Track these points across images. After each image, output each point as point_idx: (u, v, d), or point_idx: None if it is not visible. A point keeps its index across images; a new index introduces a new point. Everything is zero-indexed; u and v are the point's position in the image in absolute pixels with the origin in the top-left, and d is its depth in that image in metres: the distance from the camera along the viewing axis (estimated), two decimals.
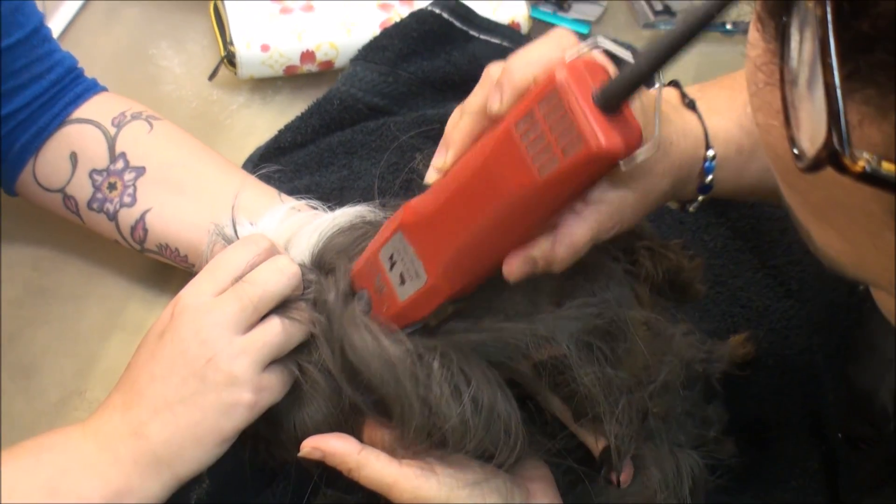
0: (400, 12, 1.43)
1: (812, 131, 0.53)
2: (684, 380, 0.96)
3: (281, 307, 0.93)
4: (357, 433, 0.93)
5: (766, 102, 0.59)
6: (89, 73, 1.22)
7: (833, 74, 0.51)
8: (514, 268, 0.82)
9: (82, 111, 1.18)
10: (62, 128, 1.17)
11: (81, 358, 1.17)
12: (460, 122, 0.82)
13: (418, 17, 1.38)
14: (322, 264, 0.97)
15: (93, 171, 1.16)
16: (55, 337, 1.18)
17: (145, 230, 1.14)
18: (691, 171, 0.91)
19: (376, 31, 1.41)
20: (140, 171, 1.14)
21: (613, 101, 0.71)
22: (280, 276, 0.93)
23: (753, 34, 0.60)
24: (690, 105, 0.93)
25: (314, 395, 0.93)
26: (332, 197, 1.11)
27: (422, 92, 1.35)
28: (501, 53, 1.38)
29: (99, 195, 1.15)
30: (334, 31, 1.42)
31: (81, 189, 1.16)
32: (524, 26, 1.47)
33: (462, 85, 1.37)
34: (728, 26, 1.55)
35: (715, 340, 1.02)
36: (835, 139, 0.51)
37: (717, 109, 0.94)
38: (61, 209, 1.19)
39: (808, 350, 1.12)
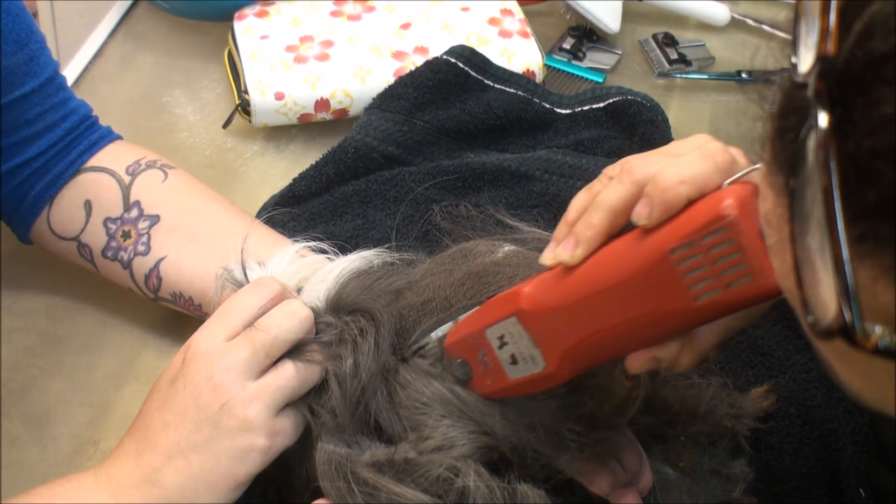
0: (415, 61, 1.43)
1: (824, 296, 0.52)
2: (712, 435, 0.96)
3: (293, 351, 0.93)
4: None
5: (779, 257, 0.58)
6: (104, 121, 1.22)
7: (841, 249, 0.50)
8: (638, 364, 0.81)
9: (97, 159, 1.18)
10: (77, 176, 1.17)
11: (95, 407, 1.16)
12: (592, 218, 0.79)
13: (433, 65, 1.38)
14: (341, 307, 0.96)
15: (107, 220, 1.15)
16: (69, 386, 1.17)
17: (159, 279, 1.14)
18: None
19: (391, 80, 1.41)
20: (154, 219, 1.14)
21: None
22: (292, 320, 0.93)
23: (763, 187, 0.59)
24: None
25: (322, 437, 0.92)
26: (345, 247, 1.11)
27: (437, 141, 1.35)
28: (517, 102, 1.38)
29: (113, 243, 1.15)
30: (349, 79, 1.42)
31: (96, 237, 1.16)
32: (539, 75, 1.47)
33: (477, 134, 1.37)
34: (743, 75, 1.55)
35: (737, 393, 1.02)
36: (845, 314, 0.50)
37: None
38: (76, 257, 1.19)
39: (827, 404, 1.11)
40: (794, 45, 0.55)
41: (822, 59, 0.51)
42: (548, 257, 0.82)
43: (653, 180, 0.75)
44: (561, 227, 0.83)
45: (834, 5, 0.52)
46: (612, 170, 0.83)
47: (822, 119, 0.50)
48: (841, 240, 0.50)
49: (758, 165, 0.72)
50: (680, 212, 0.73)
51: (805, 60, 0.53)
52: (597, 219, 0.79)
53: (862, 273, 0.50)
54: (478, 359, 0.87)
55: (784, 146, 0.55)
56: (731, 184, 0.72)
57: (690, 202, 0.73)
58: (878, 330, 0.50)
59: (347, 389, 0.91)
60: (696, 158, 0.75)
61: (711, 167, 0.74)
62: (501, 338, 0.85)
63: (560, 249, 0.80)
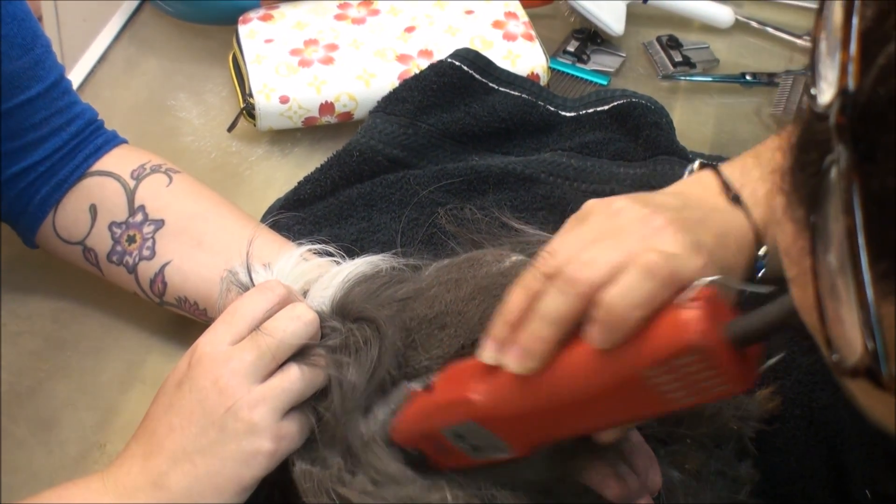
0: (419, 64, 1.43)
1: (848, 335, 0.51)
2: (718, 437, 0.96)
3: (298, 354, 0.93)
4: None
5: (801, 290, 0.58)
6: (109, 124, 1.22)
7: (866, 290, 0.49)
8: (608, 438, 0.84)
9: (102, 163, 1.18)
10: (82, 180, 1.17)
11: (101, 411, 1.16)
12: (541, 331, 0.78)
13: (437, 69, 1.38)
14: (346, 312, 0.96)
15: (112, 224, 1.16)
16: (75, 389, 1.18)
17: (164, 283, 1.14)
18: (735, 272, 0.89)
19: (395, 83, 1.41)
20: (159, 224, 1.15)
21: (746, 342, 0.71)
22: (298, 323, 0.93)
23: (783, 220, 0.58)
24: (735, 199, 0.92)
25: (326, 441, 0.92)
26: (350, 250, 1.11)
27: (441, 144, 1.35)
28: (521, 105, 1.38)
29: (118, 248, 1.15)
30: (353, 82, 1.42)
31: (101, 241, 1.16)
32: (543, 78, 1.47)
33: (482, 137, 1.37)
34: (748, 77, 1.54)
35: (743, 395, 1.02)
36: (870, 356, 0.49)
37: (761, 199, 0.92)
38: (81, 261, 1.19)
39: (833, 406, 1.11)
40: (812, 74, 0.54)
41: (843, 93, 0.50)
42: (490, 356, 0.82)
43: (603, 307, 0.74)
44: (500, 327, 0.82)
45: (854, 36, 0.50)
46: (544, 265, 0.81)
47: (845, 155, 0.50)
48: (865, 280, 0.49)
49: (707, 279, 0.73)
50: (640, 331, 0.74)
51: (826, 92, 0.52)
52: (545, 332, 0.78)
53: (886, 310, 0.50)
54: (433, 448, 0.88)
55: (805, 180, 0.54)
56: (685, 301, 0.72)
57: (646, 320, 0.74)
58: None
59: (348, 398, 0.91)
60: (639, 278, 0.74)
61: (657, 285, 0.74)
62: (459, 435, 0.85)
63: (509, 359, 0.80)
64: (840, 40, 0.51)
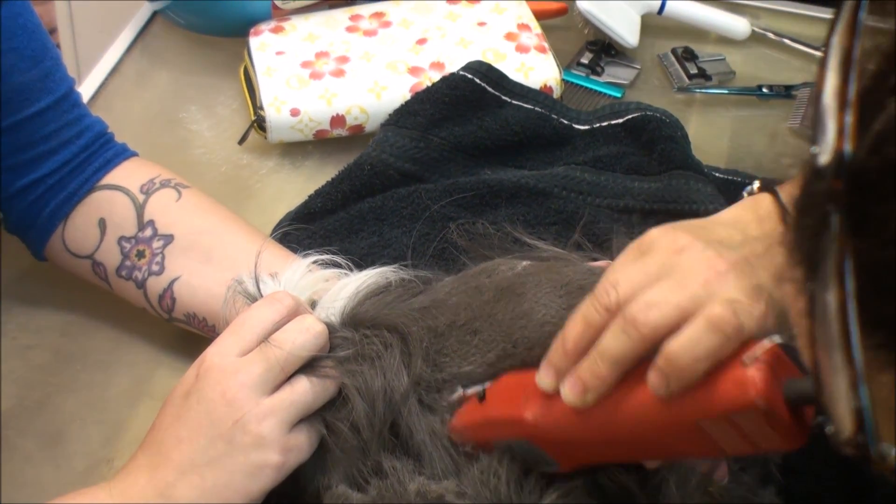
0: (431, 76, 1.42)
1: (841, 409, 0.51)
2: (742, 461, 0.95)
3: (307, 366, 0.94)
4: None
5: (804, 351, 0.57)
6: (119, 137, 1.22)
7: (856, 369, 0.49)
8: (655, 464, 0.87)
9: (111, 177, 1.18)
10: (91, 194, 1.17)
11: (109, 425, 1.15)
12: (601, 369, 0.79)
13: (450, 81, 1.37)
14: (358, 322, 0.97)
15: (121, 238, 1.15)
16: (83, 404, 1.17)
17: (173, 299, 1.13)
18: None
19: (407, 96, 1.40)
20: (168, 239, 1.14)
21: (803, 403, 0.72)
22: (307, 335, 0.93)
23: (785, 280, 0.57)
24: None
25: (339, 453, 0.93)
26: (360, 264, 1.10)
27: (454, 158, 1.34)
28: (534, 118, 1.37)
29: (127, 262, 1.15)
30: (364, 95, 1.41)
31: (110, 256, 1.16)
32: (556, 90, 1.46)
33: (494, 150, 1.36)
34: (764, 90, 1.53)
35: None
36: (860, 433, 0.49)
37: None
38: (90, 275, 1.19)
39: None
40: (814, 129, 0.52)
41: (838, 157, 0.49)
42: (547, 384, 0.83)
43: (666, 357, 0.75)
44: (559, 354, 0.83)
45: (852, 99, 0.50)
46: (606, 298, 0.81)
47: (838, 223, 0.49)
48: (856, 358, 0.48)
49: (768, 340, 0.73)
50: (700, 383, 0.75)
51: (825, 152, 0.50)
52: (605, 370, 0.79)
53: (882, 380, 0.49)
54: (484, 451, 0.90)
55: (802, 241, 0.53)
56: (751, 360, 0.73)
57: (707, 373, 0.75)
58: (894, 452, 0.49)
59: (375, 405, 0.91)
60: (704, 330, 0.75)
61: (722, 339, 0.74)
62: (510, 447, 0.87)
63: (567, 390, 0.81)
64: (836, 104, 0.50)
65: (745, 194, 0.98)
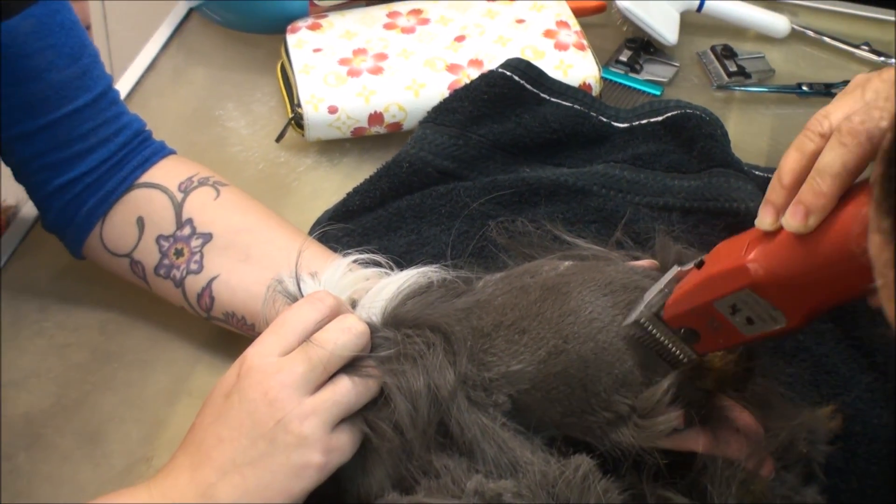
0: (469, 74, 1.42)
1: None
2: (786, 459, 0.95)
3: (348, 366, 0.93)
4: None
5: (887, 302, 0.58)
6: (157, 134, 1.22)
7: None
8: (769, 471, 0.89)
9: (150, 175, 1.17)
10: (129, 192, 1.17)
11: (148, 424, 1.15)
12: (822, 186, 0.79)
13: (488, 79, 1.37)
14: (400, 322, 0.97)
15: (160, 237, 1.15)
16: (121, 402, 1.17)
17: (212, 298, 1.13)
18: None
19: (445, 93, 1.40)
20: (207, 237, 1.14)
21: None
22: (349, 335, 0.93)
23: (871, 229, 0.58)
24: None
25: (382, 453, 0.93)
26: (399, 263, 1.10)
27: (492, 155, 1.33)
28: (573, 116, 1.36)
29: (166, 261, 1.15)
30: (402, 92, 1.41)
31: (148, 255, 1.16)
32: (595, 88, 1.45)
33: (533, 148, 1.35)
34: (804, 88, 1.52)
35: (808, 411, 1.00)
36: None
37: None
38: (128, 274, 1.18)
39: (894, 423, 1.09)
40: None
41: None
42: (768, 222, 0.83)
43: (886, 146, 0.74)
44: (777, 191, 0.83)
45: None
46: (819, 125, 0.82)
47: None
48: None
49: None
50: None
51: None
52: (826, 187, 0.78)
53: None
54: (706, 324, 0.88)
55: (892, 192, 0.54)
56: None
57: None
58: None
59: (418, 404, 0.91)
60: None
61: None
62: (733, 306, 0.85)
63: (789, 218, 0.80)
64: None
65: None
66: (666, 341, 0.90)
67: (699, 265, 0.89)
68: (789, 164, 0.83)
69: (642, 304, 0.91)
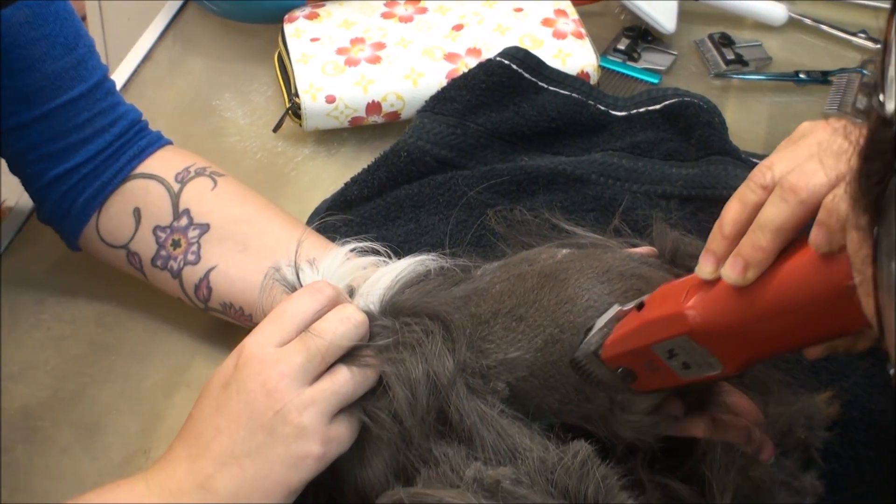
0: (467, 63, 1.41)
1: None
2: (784, 445, 0.95)
3: (347, 355, 0.93)
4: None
5: (865, 298, 0.58)
6: (153, 125, 1.22)
7: None
8: (816, 354, 0.89)
9: (146, 166, 1.17)
10: (126, 183, 1.16)
11: (146, 416, 1.15)
12: (761, 241, 0.80)
13: (486, 68, 1.37)
14: (398, 311, 0.96)
15: (157, 228, 1.15)
16: (119, 394, 1.17)
17: (209, 289, 1.13)
18: None
19: (443, 82, 1.39)
20: (204, 228, 1.13)
21: None
22: (347, 325, 0.93)
23: (849, 225, 0.58)
24: None
25: (380, 443, 0.93)
26: (398, 252, 1.10)
27: (490, 144, 1.33)
28: (571, 105, 1.36)
29: (163, 252, 1.14)
30: (401, 82, 1.40)
31: (145, 246, 1.15)
32: (593, 77, 1.45)
33: (531, 137, 1.35)
34: (801, 76, 1.52)
35: (807, 397, 1.01)
36: None
37: None
38: (125, 265, 1.18)
39: (891, 409, 1.10)
40: (881, 78, 0.53)
41: None
42: (707, 271, 0.83)
43: (827, 209, 0.75)
44: (717, 240, 0.84)
45: None
46: (762, 177, 0.82)
47: None
48: None
49: None
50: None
51: (893, 100, 0.51)
52: (766, 241, 0.79)
53: None
54: (643, 366, 0.88)
55: (868, 189, 0.54)
56: None
57: None
58: None
59: (417, 392, 0.91)
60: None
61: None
62: (671, 351, 0.86)
63: (728, 270, 0.81)
64: None
65: None
66: (603, 382, 0.91)
67: (639, 307, 0.89)
68: (731, 214, 0.83)
69: (582, 341, 0.91)
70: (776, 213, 0.79)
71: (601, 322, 0.91)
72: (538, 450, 0.89)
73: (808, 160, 0.81)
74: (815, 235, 0.75)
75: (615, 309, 0.91)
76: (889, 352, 0.53)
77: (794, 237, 0.79)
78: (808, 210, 0.78)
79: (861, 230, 0.56)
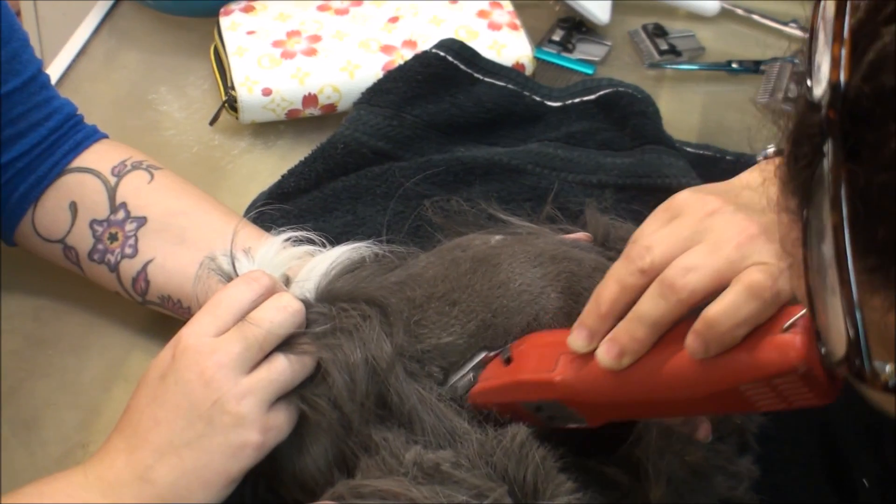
0: (403, 55, 1.42)
1: (835, 330, 0.52)
2: (720, 431, 0.96)
3: (284, 344, 0.93)
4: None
5: (795, 281, 0.59)
6: (89, 119, 1.21)
7: (851, 289, 0.50)
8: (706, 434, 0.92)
9: (82, 160, 1.16)
10: (61, 177, 1.15)
11: (84, 410, 1.14)
12: (637, 333, 0.81)
13: (422, 59, 1.37)
14: (334, 298, 0.97)
15: (93, 222, 1.14)
16: (56, 389, 1.16)
17: (147, 282, 1.12)
18: None
19: (379, 74, 1.40)
20: (141, 221, 1.13)
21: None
22: (284, 313, 0.93)
23: (779, 208, 0.59)
24: None
25: (319, 430, 0.93)
26: (336, 243, 1.10)
27: (427, 135, 1.34)
28: (507, 96, 1.37)
29: (100, 246, 1.14)
30: (337, 74, 1.40)
31: (82, 240, 1.15)
32: (529, 68, 1.45)
33: (468, 128, 1.36)
34: (734, 65, 1.54)
35: None
36: (853, 349, 0.51)
37: None
38: (62, 260, 1.17)
39: None
40: (808, 64, 0.54)
41: (833, 87, 0.50)
42: (581, 345, 0.84)
43: (707, 322, 0.77)
44: (593, 317, 0.84)
45: (846, 31, 0.51)
46: (640, 260, 0.83)
47: (833, 151, 0.50)
48: (850, 275, 0.50)
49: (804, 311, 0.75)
50: (739, 347, 0.77)
51: (819, 85, 0.52)
52: (642, 334, 0.81)
53: (874, 304, 0.50)
54: (508, 412, 0.91)
55: (797, 172, 0.55)
56: (789, 327, 0.75)
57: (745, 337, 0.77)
58: (888, 369, 0.50)
59: (355, 377, 0.91)
60: (745, 297, 0.76)
61: (761, 306, 0.76)
62: (538, 407, 0.88)
63: (603, 354, 0.82)
64: (832, 34, 0.51)
65: (760, 158, 1.01)
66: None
67: (507, 361, 0.91)
68: (608, 294, 0.84)
69: (446, 385, 0.93)
70: (654, 308, 0.80)
71: (465, 369, 0.93)
72: (477, 433, 0.90)
73: (686, 250, 0.82)
74: (692, 343, 0.77)
75: (481, 355, 0.93)
76: (820, 332, 0.54)
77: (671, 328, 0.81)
78: (686, 308, 0.79)
79: (790, 213, 0.57)
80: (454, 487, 0.86)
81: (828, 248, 0.51)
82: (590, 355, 0.84)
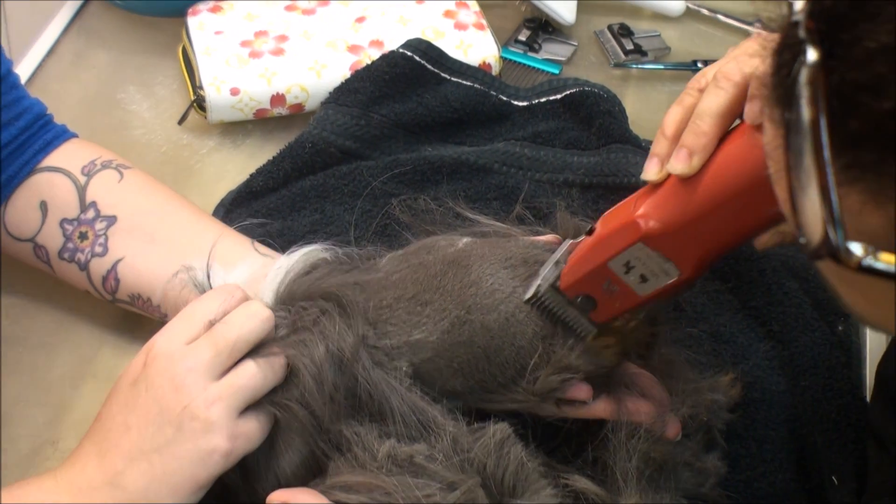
0: (370, 55, 1.42)
1: (813, 220, 0.56)
2: (687, 428, 0.97)
3: (253, 351, 0.94)
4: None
5: (779, 185, 0.62)
6: (58, 119, 1.21)
7: (826, 174, 0.54)
8: (765, 242, 0.95)
9: (52, 159, 1.16)
10: (32, 176, 1.15)
11: (53, 407, 1.15)
12: (702, 126, 0.83)
13: (389, 59, 1.38)
14: (293, 300, 0.98)
15: (63, 221, 1.14)
16: (25, 386, 1.16)
17: (117, 280, 1.13)
18: None
19: (347, 74, 1.40)
20: (111, 220, 1.13)
21: None
22: (254, 320, 0.94)
23: (765, 120, 0.63)
24: None
25: (291, 432, 0.93)
26: (303, 241, 1.10)
27: (394, 135, 1.34)
28: (473, 95, 1.38)
29: (70, 245, 1.14)
30: (304, 73, 1.41)
31: (52, 239, 1.15)
32: (495, 67, 1.46)
33: (435, 127, 1.36)
34: (699, 65, 1.55)
35: (708, 380, 1.04)
36: (830, 235, 0.54)
37: None
38: (32, 259, 1.18)
39: (791, 391, 1.12)
40: None
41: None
42: (653, 172, 0.86)
43: (759, 79, 0.78)
44: (661, 142, 0.87)
45: None
46: (698, 83, 0.87)
47: (811, 54, 0.55)
48: (826, 167, 0.54)
49: None
50: None
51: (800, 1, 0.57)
52: (707, 126, 0.82)
53: (851, 198, 0.55)
54: (602, 289, 0.90)
55: (780, 81, 0.59)
56: None
57: None
58: (860, 250, 0.54)
59: (323, 370, 0.92)
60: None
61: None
62: (627, 264, 0.88)
63: (674, 162, 0.83)
64: None
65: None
66: (564, 314, 0.92)
67: (590, 232, 0.91)
68: (671, 116, 0.88)
69: (538, 278, 0.93)
70: (713, 100, 0.83)
71: (555, 257, 0.93)
72: (451, 426, 0.91)
73: (736, 56, 0.85)
74: (749, 109, 0.80)
75: (567, 243, 0.93)
76: (801, 230, 0.57)
77: (732, 124, 0.83)
78: (742, 92, 0.82)
79: (774, 122, 0.60)
80: (427, 479, 0.87)
81: (807, 144, 0.55)
82: (664, 183, 0.85)
